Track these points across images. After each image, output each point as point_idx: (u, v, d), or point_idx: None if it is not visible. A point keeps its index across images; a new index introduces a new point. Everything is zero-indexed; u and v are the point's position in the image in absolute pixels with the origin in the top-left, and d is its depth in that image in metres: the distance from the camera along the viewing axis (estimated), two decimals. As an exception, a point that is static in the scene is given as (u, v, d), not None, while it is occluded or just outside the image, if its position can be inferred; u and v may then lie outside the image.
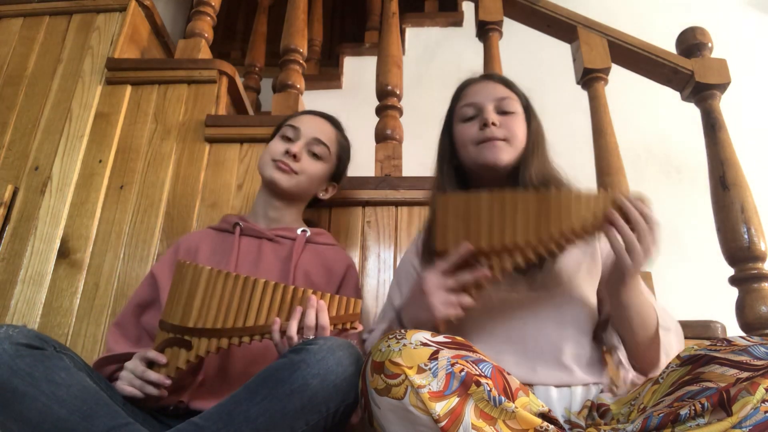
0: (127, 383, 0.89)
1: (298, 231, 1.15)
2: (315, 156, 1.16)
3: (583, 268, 0.95)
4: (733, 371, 0.62)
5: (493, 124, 0.97)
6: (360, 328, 0.94)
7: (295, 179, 1.14)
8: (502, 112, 0.99)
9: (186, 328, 0.89)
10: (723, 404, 0.58)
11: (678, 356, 0.69)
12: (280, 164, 1.12)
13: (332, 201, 1.39)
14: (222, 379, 0.99)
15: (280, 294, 0.89)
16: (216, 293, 0.89)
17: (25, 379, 0.74)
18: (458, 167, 1.04)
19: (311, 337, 0.86)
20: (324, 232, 1.21)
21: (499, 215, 0.84)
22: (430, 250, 0.97)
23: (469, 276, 0.83)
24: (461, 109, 1.02)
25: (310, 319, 0.87)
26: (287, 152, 1.13)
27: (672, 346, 0.88)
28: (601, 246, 0.99)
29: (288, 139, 1.16)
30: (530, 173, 0.96)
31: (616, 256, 0.82)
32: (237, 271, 1.03)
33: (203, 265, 0.92)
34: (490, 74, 1.08)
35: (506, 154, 0.97)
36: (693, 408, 0.59)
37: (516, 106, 1.01)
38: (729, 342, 0.67)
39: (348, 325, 0.91)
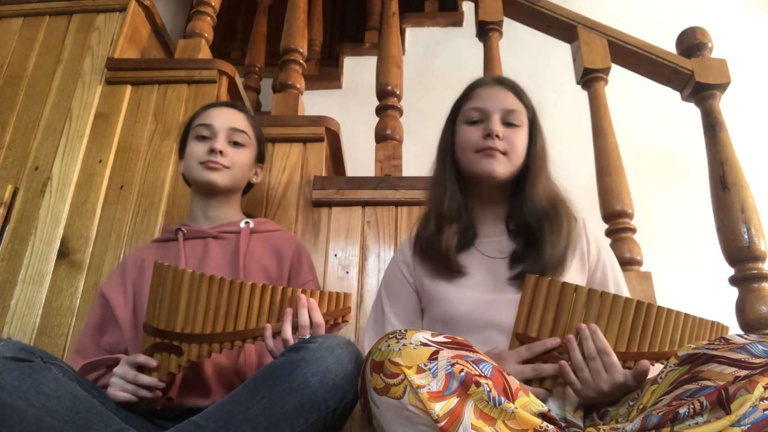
0: (119, 389, 0.87)
1: (241, 224, 1.15)
2: (237, 145, 1.16)
3: (574, 273, 0.96)
4: (731, 369, 0.62)
5: (497, 136, 0.97)
6: (350, 320, 0.94)
7: (229, 174, 1.14)
8: (508, 123, 0.99)
9: (174, 333, 0.88)
10: (722, 402, 0.58)
11: (676, 355, 0.69)
12: (209, 164, 1.11)
13: (332, 201, 1.39)
14: (206, 373, 0.98)
15: (268, 295, 0.88)
16: (201, 297, 0.88)
17: (14, 393, 0.73)
18: (457, 165, 1.04)
19: (307, 336, 0.86)
20: (267, 221, 1.21)
21: (595, 315, 0.81)
22: (427, 244, 0.98)
23: (551, 369, 0.81)
24: (468, 110, 1.02)
25: (304, 319, 0.86)
26: (212, 151, 1.12)
27: None
28: (590, 256, 0.99)
29: (205, 138, 1.14)
30: (538, 193, 0.97)
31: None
32: None
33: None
34: (503, 79, 1.05)
35: (503, 167, 0.97)
36: (692, 406, 0.59)
37: (522, 119, 1.00)
38: (727, 340, 0.67)
39: (339, 319, 0.92)
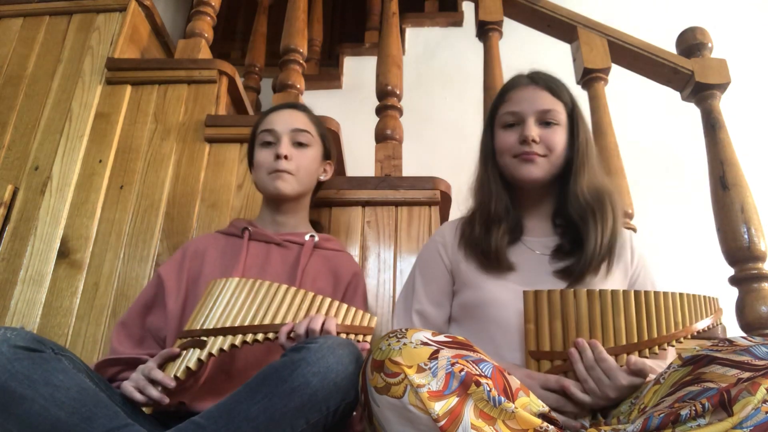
0: (133, 383, 0.88)
1: (306, 237, 1.16)
2: (302, 145, 1.17)
3: (616, 281, 0.96)
4: (734, 371, 0.62)
5: (533, 141, 0.96)
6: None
7: (295, 180, 1.14)
8: (545, 123, 0.98)
9: (202, 330, 0.91)
10: (724, 404, 0.58)
11: (679, 356, 0.69)
12: (277, 174, 1.12)
13: (332, 201, 1.39)
14: (223, 380, 0.99)
15: (299, 299, 0.92)
16: (240, 298, 0.92)
17: (23, 382, 0.74)
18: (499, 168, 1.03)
19: None
20: (332, 239, 1.22)
21: (599, 314, 0.82)
22: (475, 242, 0.98)
23: (571, 407, 0.80)
24: (503, 115, 1.01)
25: (316, 323, 0.87)
26: (277, 156, 1.13)
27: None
28: (632, 270, 0.99)
29: (270, 144, 1.15)
30: (582, 188, 0.96)
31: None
32: (244, 275, 1.04)
33: (233, 277, 0.95)
34: (537, 78, 1.03)
35: (540, 170, 0.97)
36: (694, 408, 0.59)
37: (560, 117, 0.99)
38: (731, 342, 0.67)
39: (361, 338, 0.92)
